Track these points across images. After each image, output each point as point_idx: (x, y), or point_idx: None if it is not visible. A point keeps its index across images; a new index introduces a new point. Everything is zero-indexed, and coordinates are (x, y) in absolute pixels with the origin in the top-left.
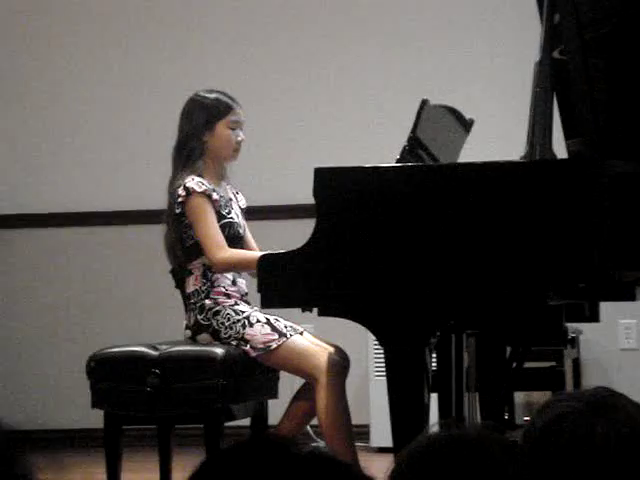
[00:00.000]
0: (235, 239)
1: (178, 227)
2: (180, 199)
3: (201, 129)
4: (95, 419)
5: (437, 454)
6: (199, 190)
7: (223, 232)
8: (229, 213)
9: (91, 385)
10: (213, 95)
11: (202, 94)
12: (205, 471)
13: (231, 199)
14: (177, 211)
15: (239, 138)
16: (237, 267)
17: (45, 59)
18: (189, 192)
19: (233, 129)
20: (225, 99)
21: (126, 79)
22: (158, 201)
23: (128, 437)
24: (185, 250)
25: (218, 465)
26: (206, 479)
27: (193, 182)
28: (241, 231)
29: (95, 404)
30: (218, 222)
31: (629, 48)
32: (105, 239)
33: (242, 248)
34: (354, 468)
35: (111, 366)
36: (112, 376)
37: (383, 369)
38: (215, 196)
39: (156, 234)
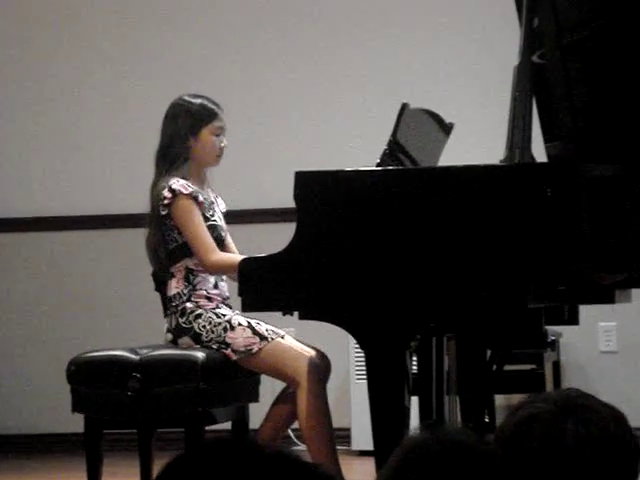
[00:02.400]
0: (218, 242)
1: (162, 229)
2: (166, 201)
3: (186, 134)
4: (75, 423)
5: (429, 457)
6: (185, 192)
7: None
8: (212, 216)
9: (71, 389)
10: (198, 101)
11: (187, 99)
12: (170, 469)
13: (213, 202)
14: (163, 213)
15: (222, 144)
16: (229, 270)
17: (33, 64)
18: (175, 194)
19: (217, 135)
20: (210, 105)
21: (111, 84)
22: (138, 205)
23: (109, 441)
24: (168, 253)
25: (184, 463)
26: (171, 475)
27: (179, 184)
28: (223, 234)
29: (75, 408)
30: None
31: (607, 52)
32: (84, 243)
33: (224, 251)
34: (320, 469)
35: (91, 370)
36: (93, 380)
37: (364, 373)
38: (200, 198)
39: (135, 238)
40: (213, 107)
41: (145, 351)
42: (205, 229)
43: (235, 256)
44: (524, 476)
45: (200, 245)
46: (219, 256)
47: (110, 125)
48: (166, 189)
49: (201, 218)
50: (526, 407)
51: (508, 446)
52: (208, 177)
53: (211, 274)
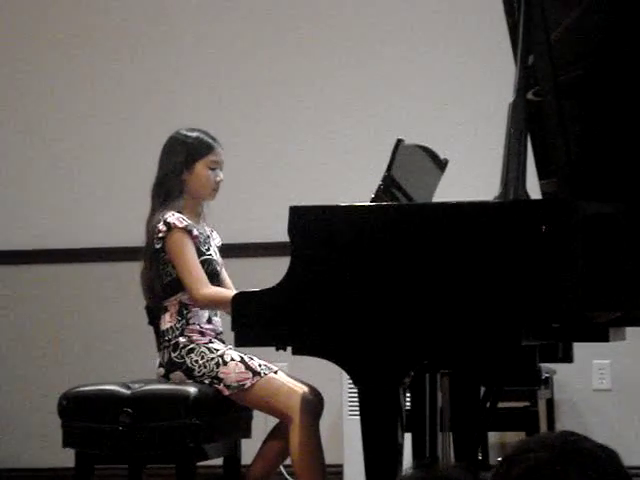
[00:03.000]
0: (213, 276)
1: (157, 263)
2: (161, 234)
3: (180, 168)
4: (66, 458)
5: None
6: (180, 226)
7: (202, 269)
8: (208, 250)
9: (62, 424)
10: (194, 134)
11: (183, 132)
12: None
13: (209, 236)
14: (157, 246)
15: (218, 178)
16: (219, 305)
17: (31, 94)
18: (170, 227)
19: (213, 169)
20: (206, 139)
21: (102, 114)
22: (133, 238)
23: (100, 476)
24: (163, 287)
25: None
26: None
27: (174, 217)
28: (218, 268)
29: (66, 443)
30: (198, 258)
31: (602, 90)
32: (77, 276)
33: (220, 285)
34: None
35: (83, 405)
36: (84, 415)
37: (357, 409)
38: (195, 232)
39: (129, 271)
40: (209, 141)
41: (137, 386)
42: (197, 263)
43: (225, 291)
44: None
45: (191, 278)
46: (209, 291)
47: (108, 158)
48: (161, 222)
49: (194, 252)
50: (524, 458)
51: None
52: (205, 212)
53: (200, 308)
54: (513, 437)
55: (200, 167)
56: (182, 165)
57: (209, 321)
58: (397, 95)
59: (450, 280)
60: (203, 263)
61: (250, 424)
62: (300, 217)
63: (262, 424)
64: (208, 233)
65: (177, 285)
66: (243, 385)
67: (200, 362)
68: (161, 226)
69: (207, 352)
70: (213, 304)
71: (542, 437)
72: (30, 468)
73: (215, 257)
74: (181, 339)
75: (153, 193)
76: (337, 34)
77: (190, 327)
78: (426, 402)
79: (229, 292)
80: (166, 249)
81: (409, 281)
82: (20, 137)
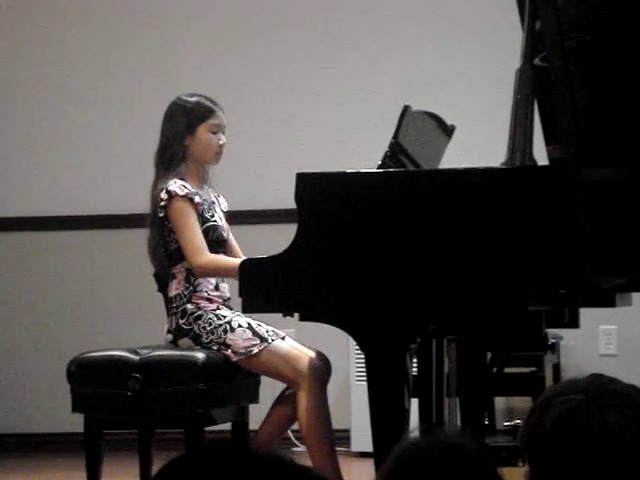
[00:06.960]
0: (219, 242)
1: (161, 231)
2: (163, 203)
3: (182, 133)
4: (75, 423)
5: (422, 460)
6: (181, 194)
7: (206, 236)
8: (212, 216)
9: (71, 389)
10: (194, 99)
11: (184, 98)
12: (165, 472)
13: (214, 202)
14: (160, 215)
15: (220, 142)
16: (216, 272)
17: (34, 64)
18: (171, 195)
19: (214, 133)
20: (206, 103)
21: (111, 84)
22: (140, 205)
23: (108, 441)
24: (168, 254)
25: (178, 466)
26: (166, 477)
27: (175, 185)
28: (224, 234)
29: (75, 408)
30: (201, 225)
31: (609, 56)
32: (86, 242)
33: (225, 252)
34: (314, 473)
35: (92, 370)
36: (93, 380)
37: (364, 374)
38: (197, 199)
39: (138, 238)
40: (209, 104)
41: (145, 351)
42: (196, 231)
43: (222, 259)
44: (571, 468)
45: (188, 247)
46: (206, 259)
47: (115, 125)
48: (163, 191)
49: (195, 220)
50: (557, 402)
51: (548, 442)
52: (210, 177)
53: (198, 276)
54: (519, 402)
55: (202, 131)
56: (184, 130)
57: (216, 288)
58: (404, 61)
59: (457, 246)
60: (208, 230)
61: (258, 389)
62: (307, 184)
63: (270, 389)
64: (213, 199)
65: (183, 253)
66: (251, 351)
67: (208, 329)
68: (163, 195)
69: (215, 319)
70: (210, 272)
71: (573, 381)
72: (39, 433)
73: (220, 223)
74: (189, 306)
75: (156, 160)
76: (343, 1)
77: (197, 294)
78: (433, 367)
79: (227, 259)
80: (168, 218)
81: (415, 247)
82: (24, 104)
